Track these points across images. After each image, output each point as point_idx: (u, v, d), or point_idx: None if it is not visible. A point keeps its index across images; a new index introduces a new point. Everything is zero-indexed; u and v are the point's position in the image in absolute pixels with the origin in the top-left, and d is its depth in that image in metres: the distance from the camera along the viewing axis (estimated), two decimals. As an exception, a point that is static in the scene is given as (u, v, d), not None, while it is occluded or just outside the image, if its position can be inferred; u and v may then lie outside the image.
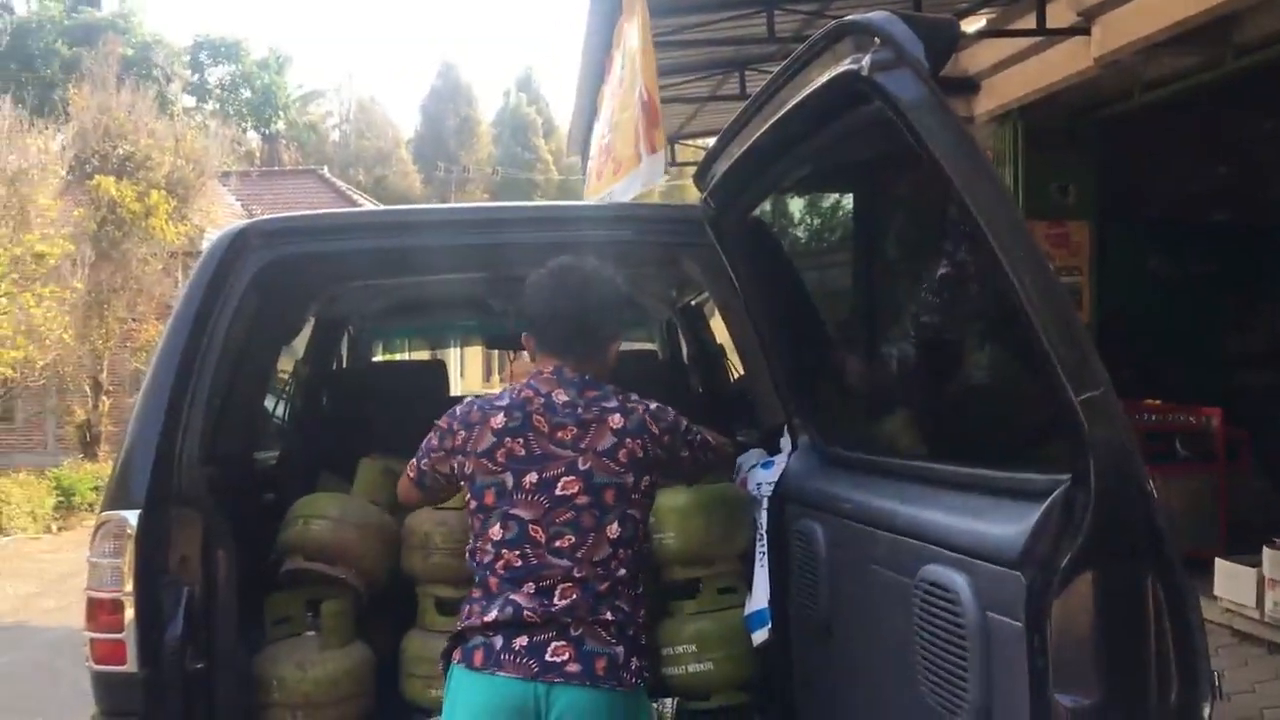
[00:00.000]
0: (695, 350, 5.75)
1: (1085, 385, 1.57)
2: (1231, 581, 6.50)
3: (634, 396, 2.69)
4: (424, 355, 9.72)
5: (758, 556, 3.30)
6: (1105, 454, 1.58)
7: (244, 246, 3.13)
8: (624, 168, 6.81)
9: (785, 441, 3.30)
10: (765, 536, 3.25)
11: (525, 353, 2.83)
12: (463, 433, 2.63)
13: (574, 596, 2.48)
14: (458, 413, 2.69)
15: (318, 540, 3.40)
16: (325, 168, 32.47)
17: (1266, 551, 6.27)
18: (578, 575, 2.49)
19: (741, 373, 4.26)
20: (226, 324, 3.02)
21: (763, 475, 3.40)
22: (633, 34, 5.86)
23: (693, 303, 5.66)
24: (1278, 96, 8.47)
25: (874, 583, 2.40)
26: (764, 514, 3.26)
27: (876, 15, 1.75)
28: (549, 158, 48.14)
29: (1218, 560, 6.68)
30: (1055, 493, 1.67)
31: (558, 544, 2.50)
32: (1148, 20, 6.71)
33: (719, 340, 5.43)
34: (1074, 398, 1.56)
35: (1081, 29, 7.31)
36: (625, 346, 7.68)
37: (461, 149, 47.92)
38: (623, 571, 2.53)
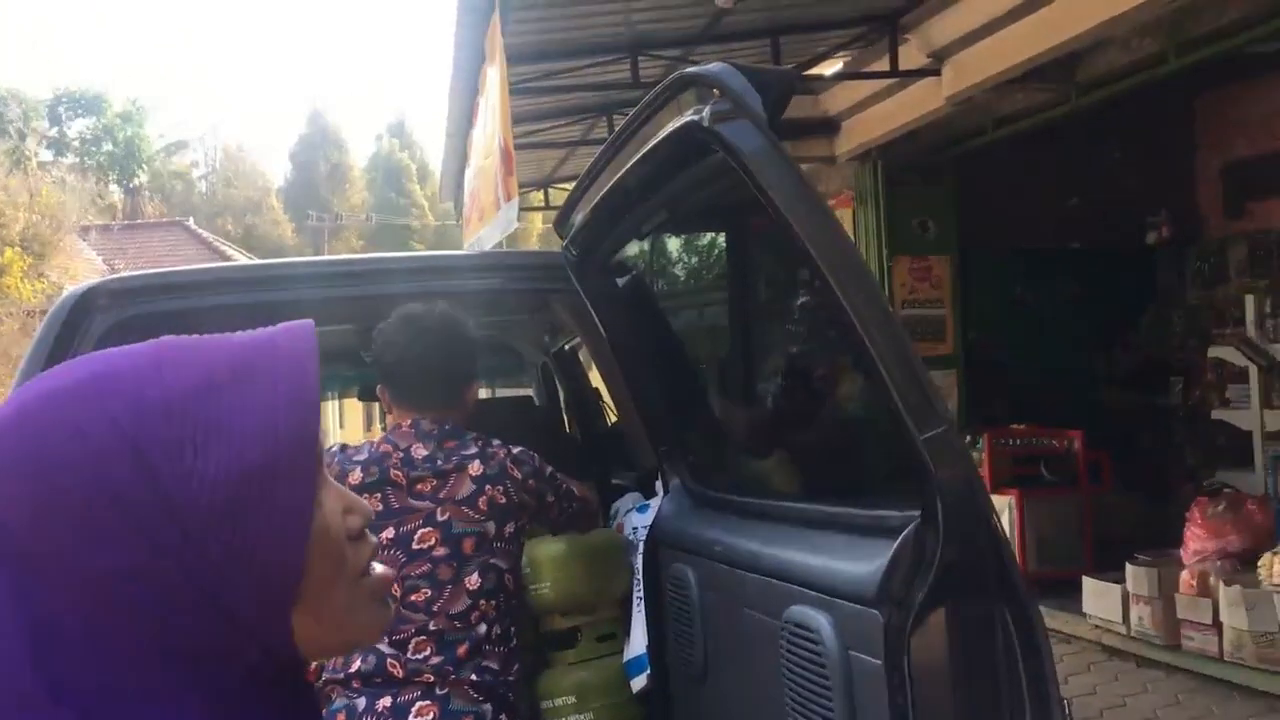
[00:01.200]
0: (571, 395, 5.73)
1: (927, 424, 1.60)
2: (1098, 599, 6.73)
3: (495, 442, 2.66)
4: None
5: (635, 602, 3.28)
6: (950, 491, 1.61)
7: (89, 307, 3.01)
8: (487, 214, 6.83)
9: (660, 485, 3.30)
10: (641, 581, 3.24)
11: None
12: None
13: (428, 651, 2.43)
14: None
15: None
16: (191, 219, 31.64)
17: (1129, 568, 6.51)
18: (433, 629, 2.44)
19: (617, 416, 4.27)
20: (73, 389, 2.89)
21: (638, 519, 3.39)
22: (494, 80, 5.89)
23: (567, 347, 5.65)
24: (1122, 129, 8.92)
25: (745, 625, 2.41)
26: (639, 558, 3.25)
27: (716, 67, 1.78)
28: (424, 203, 47.75)
29: (1085, 579, 6.91)
30: (907, 529, 1.70)
31: (412, 598, 2.45)
32: (994, 61, 7.01)
33: (595, 384, 5.43)
34: (917, 436, 1.60)
35: (933, 70, 7.59)
36: (502, 393, 7.65)
37: (334, 196, 47.21)
38: (484, 626, 2.48)
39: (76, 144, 37.51)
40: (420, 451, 2.56)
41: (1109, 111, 7.76)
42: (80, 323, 2.98)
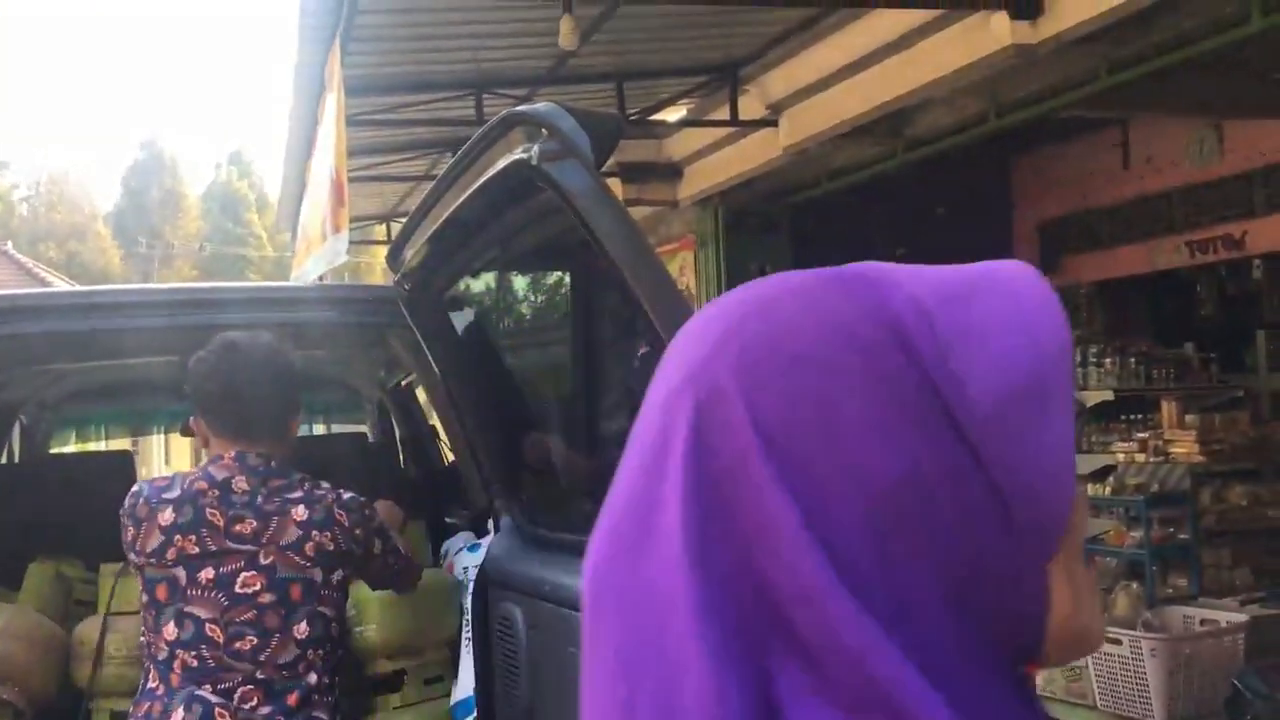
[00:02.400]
0: (406, 432, 5.65)
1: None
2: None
3: (323, 485, 2.56)
4: (122, 443, 9.07)
5: (463, 643, 3.24)
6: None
7: (-116, 333, 2.83)
8: (314, 246, 6.72)
9: (492, 524, 3.28)
10: (470, 622, 3.20)
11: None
12: (131, 528, 2.45)
13: (256, 700, 2.33)
14: (126, 505, 2.49)
15: (-24, 656, 3.07)
16: (10, 243, 30.00)
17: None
18: (260, 677, 2.34)
19: (454, 455, 4.22)
20: None
21: (469, 559, 3.36)
22: (331, 109, 5.81)
23: (403, 383, 5.57)
24: (946, 184, 9.36)
25: (572, 665, 2.39)
26: (469, 598, 3.21)
27: (545, 106, 1.80)
28: (263, 233, 46.46)
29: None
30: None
31: (237, 645, 2.35)
32: (827, 115, 7.27)
33: (432, 421, 5.37)
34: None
35: (770, 121, 7.83)
36: (337, 428, 7.45)
37: (167, 224, 45.52)
38: (314, 677, 2.39)
39: (-118, 160, 35.19)
40: (242, 485, 2.45)
41: (935, 168, 8.14)
42: None
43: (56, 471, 5.14)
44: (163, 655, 2.37)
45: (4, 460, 5.07)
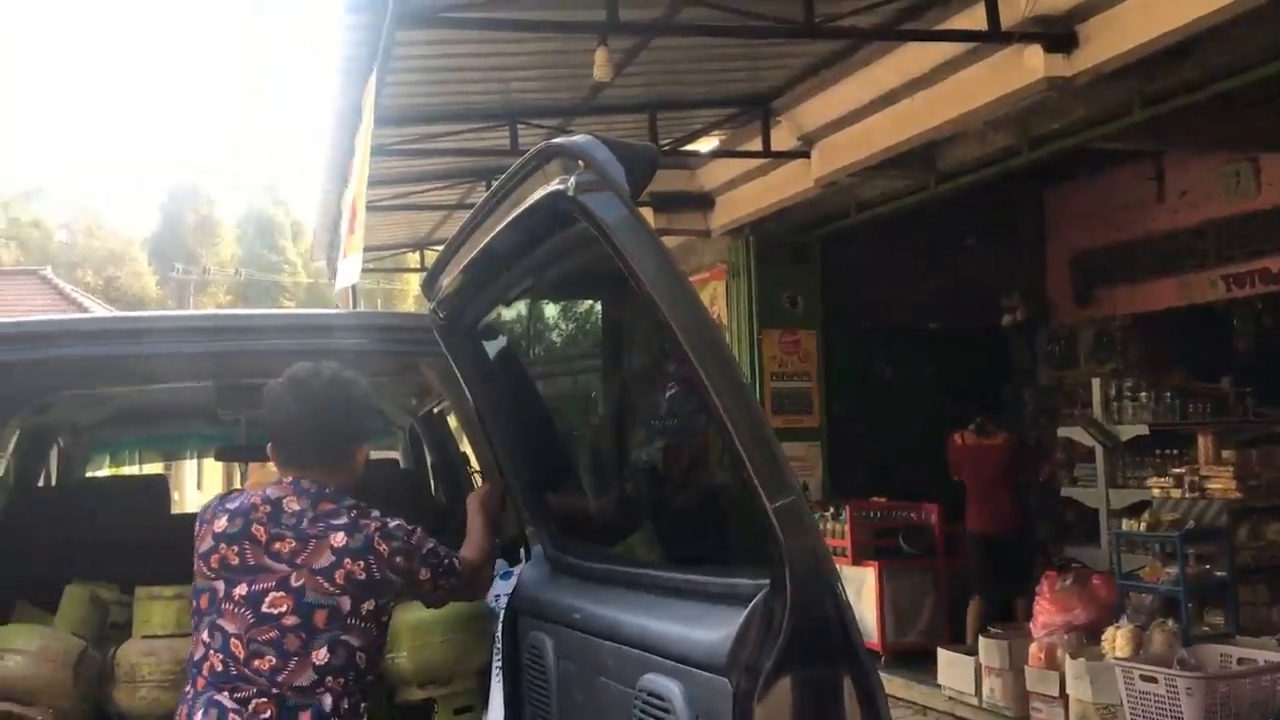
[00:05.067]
0: (438, 458, 5.66)
1: (778, 493, 1.64)
2: (953, 670, 6.89)
3: (373, 514, 2.57)
4: (156, 467, 9.17)
5: (494, 671, 3.23)
6: (798, 560, 1.65)
7: (-73, 357, 2.88)
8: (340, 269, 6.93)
9: (523, 552, 3.27)
10: (500, 651, 3.19)
11: (266, 463, 2.74)
12: (198, 528, 2.54)
13: (269, 713, 2.36)
14: (202, 507, 2.63)
15: (12, 677, 3.10)
16: (49, 268, 30.43)
17: (982, 641, 6.69)
18: (275, 694, 2.38)
19: (484, 482, 4.23)
20: (-94, 441, 2.76)
21: (501, 586, 3.35)
22: (361, 139, 5.91)
23: (435, 410, 5.59)
24: (977, 216, 9.35)
25: (600, 694, 2.39)
26: (500, 627, 3.20)
27: (581, 139, 1.82)
28: (297, 260, 46.90)
29: (940, 650, 7.07)
30: (756, 598, 1.73)
31: (256, 663, 2.38)
32: (859, 147, 7.30)
33: (463, 448, 5.39)
34: (768, 505, 1.63)
35: (802, 153, 7.86)
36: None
37: (203, 249, 46.01)
38: (329, 701, 2.41)
39: (-75, 187, 35.86)
40: (293, 505, 2.50)
41: (966, 199, 8.14)
42: (-84, 372, 2.84)
43: (93, 495, 5.20)
44: (197, 656, 2.46)
45: (42, 484, 5.14)
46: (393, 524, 2.57)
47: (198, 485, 21.09)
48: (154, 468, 9.67)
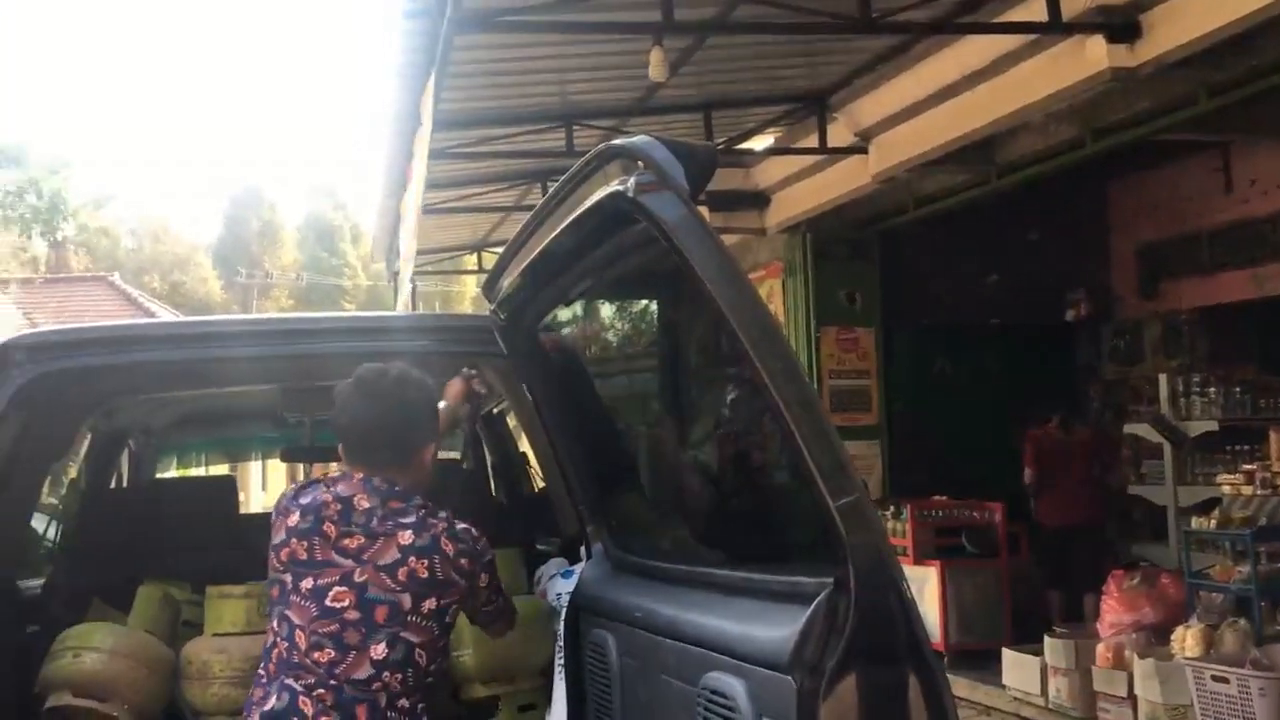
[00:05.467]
0: (498, 459, 5.71)
1: (841, 491, 1.63)
2: (1017, 671, 6.80)
3: (441, 514, 2.61)
4: (221, 469, 9.33)
5: (557, 670, 3.25)
6: (862, 558, 1.64)
7: (6, 362, 2.96)
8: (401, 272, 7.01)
9: (584, 550, 3.29)
10: (563, 648, 3.21)
11: (332, 465, 2.78)
12: (274, 519, 2.60)
13: (329, 702, 2.41)
14: (280, 496, 2.68)
15: (88, 674, 3.18)
16: (117, 274, 31.08)
17: (1048, 640, 6.60)
18: (333, 685, 2.43)
19: (544, 481, 4.25)
20: (-15, 443, 2.84)
21: (562, 585, 3.37)
22: (421, 144, 5.98)
23: (495, 410, 5.64)
24: (1038, 210, 9.22)
25: (663, 692, 2.40)
26: (562, 625, 3.22)
27: (641, 139, 1.82)
28: (357, 263, 47.46)
29: (1004, 650, 6.99)
30: (820, 596, 1.73)
31: (315, 655, 2.43)
32: (917, 142, 7.23)
33: (522, 448, 5.42)
34: (831, 504, 1.63)
35: (859, 149, 7.80)
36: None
37: (265, 254, 46.74)
38: (385, 697, 2.45)
39: (-1, 196, 36.80)
40: (363, 503, 2.54)
41: (1027, 193, 8.02)
42: (-6, 378, 2.92)
43: (164, 496, 5.31)
44: (269, 643, 2.54)
45: (113, 486, 5.25)
46: (460, 526, 2.60)
47: (263, 486, 21.42)
48: (219, 469, 9.83)
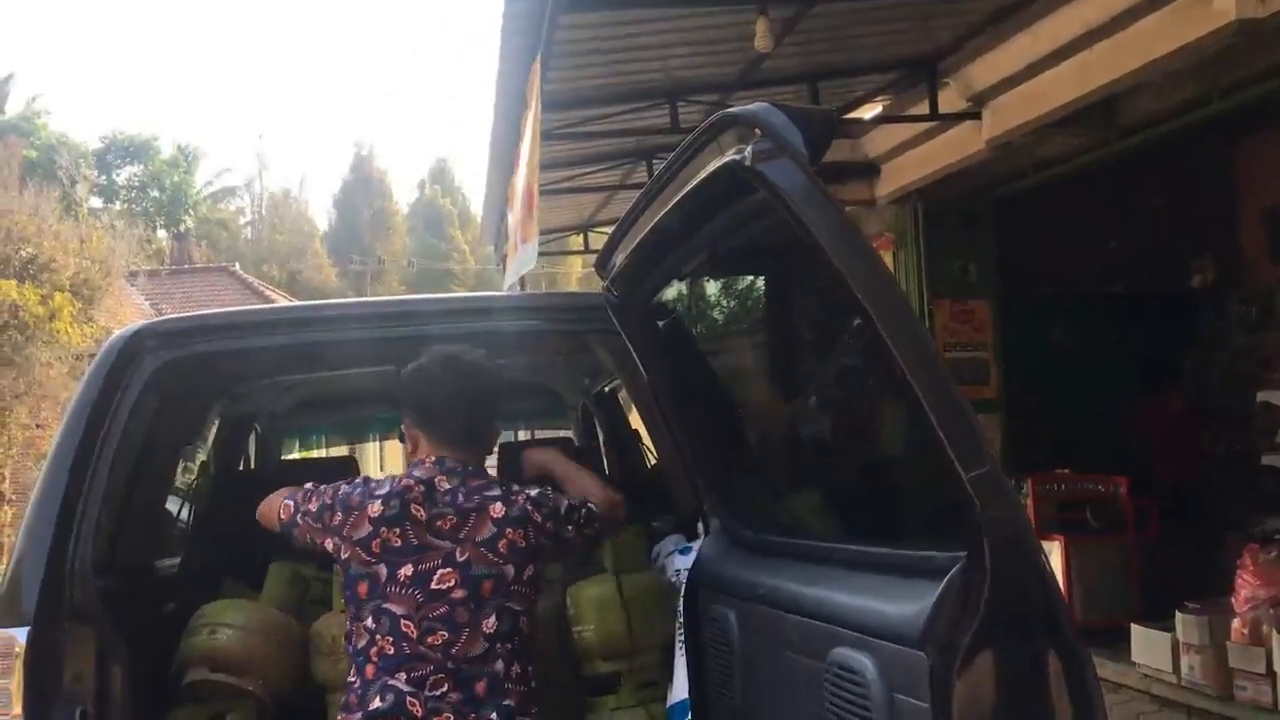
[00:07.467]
0: (610, 436, 5.74)
1: (973, 463, 1.59)
2: (1148, 647, 6.59)
3: (515, 486, 2.68)
4: (341, 450, 9.58)
5: (677, 646, 3.25)
6: (997, 531, 1.59)
7: (139, 348, 3.06)
8: (512, 256, 7.04)
9: (702, 527, 3.28)
10: (683, 624, 3.21)
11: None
12: (340, 514, 2.60)
13: (446, 688, 2.44)
14: (341, 492, 2.66)
15: (224, 650, 3.28)
16: (237, 264, 32.13)
17: (1180, 616, 6.38)
18: (450, 668, 2.45)
19: (657, 458, 4.26)
20: (122, 428, 2.94)
21: (681, 561, 3.37)
22: (529, 124, 6.00)
23: (607, 389, 5.66)
24: (1161, 173, 8.86)
25: (787, 667, 2.38)
26: (682, 602, 3.22)
27: (757, 106, 1.79)
28: (465, 248, 48.20)
29: (1134, 626, 6.77)
30: (953, 570, 1.68)
31: (430, 640, 2.47)
32: (1033, 105, 7.00)
33: (635, 426, 5.44)
34: (964, 476, 1.59)
35: (972, 114, 7.59)
36: (542, 433, 7.68)
37: (376, 241, 47.76)
38: (500, 665, 2.49)
39: (125, 190, 38.28)
40: (444, 485, 2.58)
41: (1149, 156, 7.70)
42: (129, 364, 3.02)
43: (290, 477, 5.45)
44: (363, 642, 2.52)
45: (242, 468, 5.42)
46: (534, 492, 2.67)
47: (380, 466, 21.94)
48: (339, 450, 10.09)
